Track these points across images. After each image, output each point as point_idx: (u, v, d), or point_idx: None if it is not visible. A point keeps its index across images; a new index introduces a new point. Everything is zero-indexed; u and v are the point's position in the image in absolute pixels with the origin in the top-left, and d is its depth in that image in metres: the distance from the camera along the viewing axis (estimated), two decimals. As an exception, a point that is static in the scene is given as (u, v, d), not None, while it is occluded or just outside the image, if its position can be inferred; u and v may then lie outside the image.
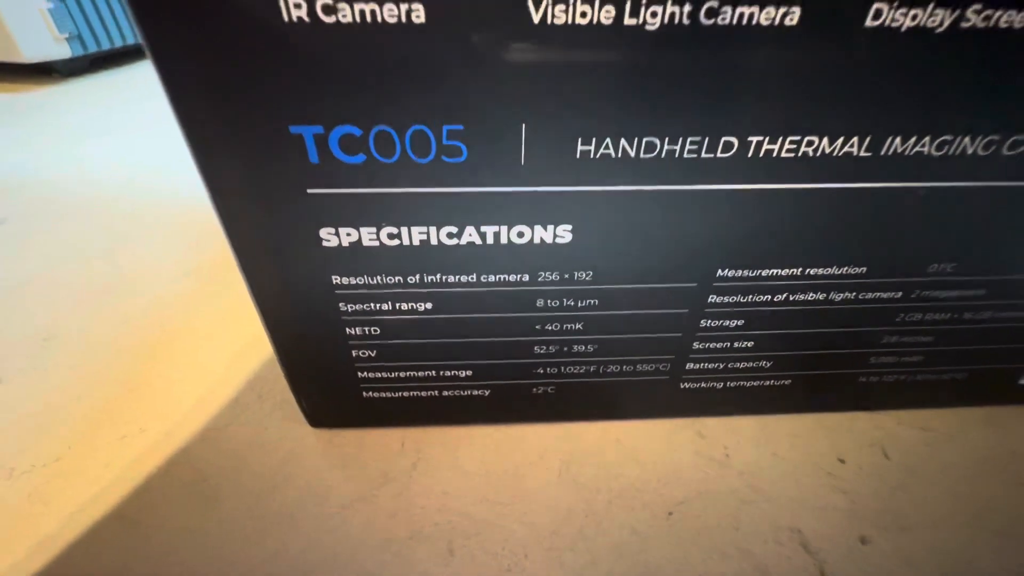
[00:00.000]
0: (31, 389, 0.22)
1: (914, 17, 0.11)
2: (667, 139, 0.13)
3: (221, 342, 0.24)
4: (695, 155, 0.13)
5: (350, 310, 0.16)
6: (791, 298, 0.16)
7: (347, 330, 0.16)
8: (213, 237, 0.32)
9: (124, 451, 0.19)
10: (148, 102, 0.57)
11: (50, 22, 0.59)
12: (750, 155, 0.13)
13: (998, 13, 0.11)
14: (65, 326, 0.25)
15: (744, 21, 0.11)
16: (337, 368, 0.17)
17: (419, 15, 0.10)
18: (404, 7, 0.10)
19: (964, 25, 0.11)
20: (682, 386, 0.19)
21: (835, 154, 0.13)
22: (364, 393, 0.18)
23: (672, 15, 0.11)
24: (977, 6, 0.11)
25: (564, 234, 0.14)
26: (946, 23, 0.11)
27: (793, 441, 0.20)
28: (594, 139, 0.13)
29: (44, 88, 0.63)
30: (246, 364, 0.23)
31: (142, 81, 0.66)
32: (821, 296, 0.16)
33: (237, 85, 0.11)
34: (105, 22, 0.66)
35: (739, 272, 0.16)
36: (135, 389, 0.22)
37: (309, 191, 0.13)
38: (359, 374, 0.18)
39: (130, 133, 0.49)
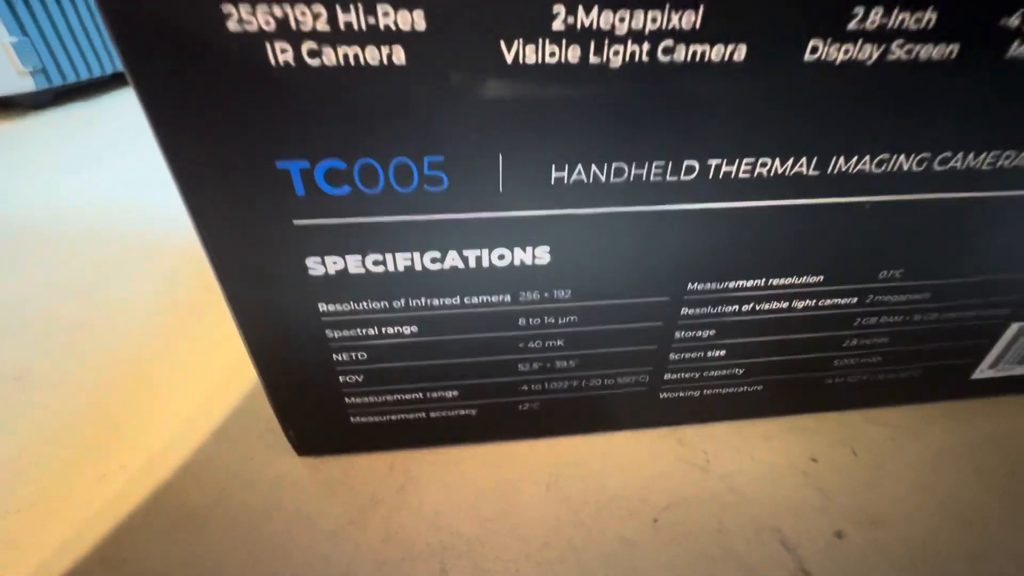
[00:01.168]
0: (1, 431, 0.21)
1: (846, 52, 0.12)
2: (634, 164, 0.14)
3: (201, 374, 0.24)
4: (660, 178, 0.14)
5: (336, 336, 0.16)
6: (757, 308, 0.17)
7: (334, 356, 0.17)
8: (188, 268, 0.32)
9: (104, 490, 0.19)
10: (114, 135, 0.57)
11: (14, 57, 0.59)
12: (711, 176, 0.14)
13: (918, 47, 0.12)
14: (38, 364, 0.25)
15: (697, 58, 0.12)
16: (324, 394, 0.18)
17: (400, 57, 0.11)
18: (385, 50, 0.11)
19: (890, 58, 0.13)
20: (661, 396, 0.19)
21: (787, 174, 0.14)
22: (352, 418, 0.18)
23: (632, 53, 0.12)
24: (900, 41, 0.12)
25: (543, 255, 0.15)
26: (874, 57, 0.13)
27: (768, 444, 0.20)
28: (567, 166, 0.14)
29: (6, 122, 0.61)
30: (228, 395, 0.23)
31: (108, 114, 0.65)
32: (784, 304, 0.18)
33: (224, 122, 0.12)
34: (71, 55, 0.65)
35: (708, 285, 0.17)
36: (113, 427, 0.22)
37: (295, 222, 0.14)
38: (346, 399, 0.18)
39: (97, 167, 0.48)
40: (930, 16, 0.12)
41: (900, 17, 0.12)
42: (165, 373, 0.24)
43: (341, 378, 0.17)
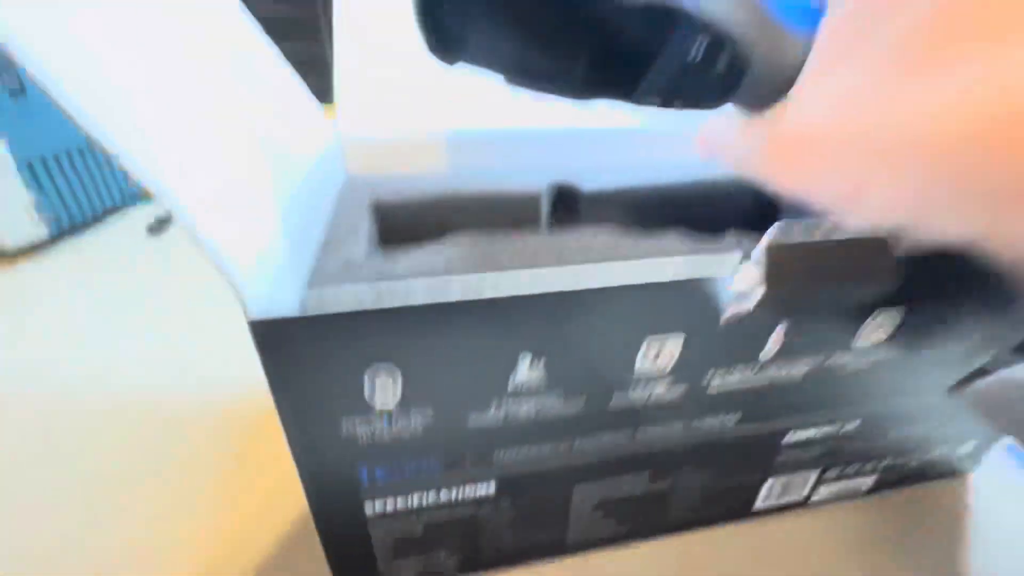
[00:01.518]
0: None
1: (648, 394, 0.26)
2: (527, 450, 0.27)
3: (255, 540, 0.35)
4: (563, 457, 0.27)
5: (380, 539, 0.28)
6: (618, 490, 0.31)
7: (374, 546, 0.29)
8: (231, 433, 0.42)
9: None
10: (123, 274, 0.63)
11: (33, 213, 0.67)
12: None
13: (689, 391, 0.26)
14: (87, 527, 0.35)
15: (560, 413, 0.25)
16: (366, 567, 0.29)
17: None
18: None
19: (670, 395, 0.26)
20: (567, 539, 0.32)
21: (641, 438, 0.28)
22: None
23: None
24: (676, 385, 0.26)
25: (492, 488, 0.28)
26: (661, 396, 0.26)
27: (636, 558, 0.34)
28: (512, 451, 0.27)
29: (14, 268, 0.65)
30: (277, 554, 0.34)
31: (111, 247, 0.70)
32: (630, 489, 0.31)
33: (335, 462, 0.24)
34: (79, 200, 0.73)
35: (590, 482, 0.30)
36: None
37: (362, 492, 0.26)
38: (379, 566, 0.30)
39: (110, 314, 0.54)
40: (668, 382, 0.26)
41: (661, 383, 0.26)
42: (213, 540, 0.35)
43: (379, 564, 0.29)
